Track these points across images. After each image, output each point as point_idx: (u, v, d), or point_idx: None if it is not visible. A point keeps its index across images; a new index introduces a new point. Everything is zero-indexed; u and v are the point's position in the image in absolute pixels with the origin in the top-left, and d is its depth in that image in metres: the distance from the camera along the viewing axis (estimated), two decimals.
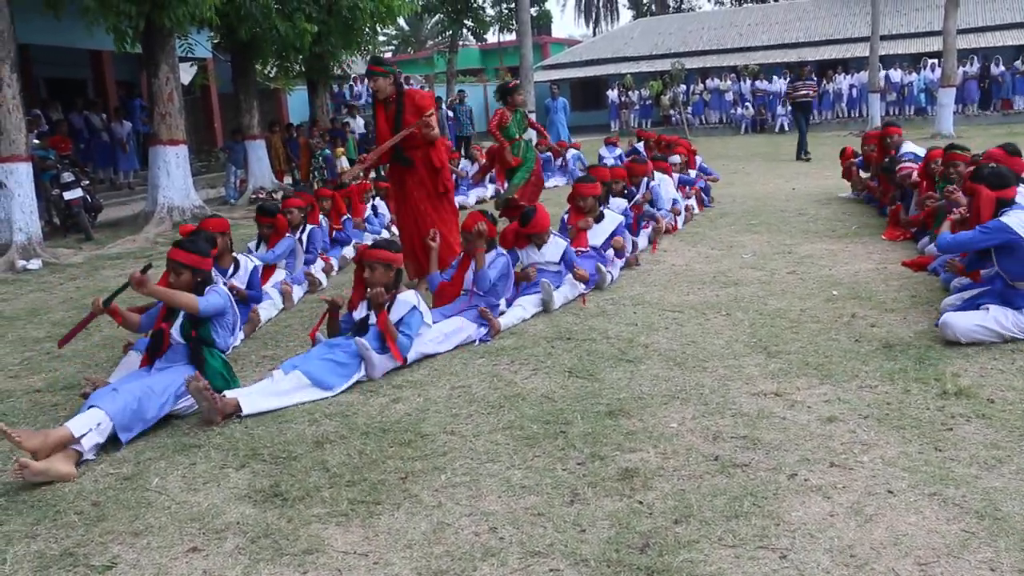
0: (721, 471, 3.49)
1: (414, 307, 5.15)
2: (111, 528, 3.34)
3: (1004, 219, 4.90)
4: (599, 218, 7.35)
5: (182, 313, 4.64)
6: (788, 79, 21.64)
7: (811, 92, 19.35)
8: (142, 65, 16.94)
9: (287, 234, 7.41)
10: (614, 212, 7.60)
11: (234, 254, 6.47)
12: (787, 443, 3.72)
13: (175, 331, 4.62)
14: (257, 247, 7.31)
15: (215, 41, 17.80)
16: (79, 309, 7.59)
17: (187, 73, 19.91)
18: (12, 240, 10.28)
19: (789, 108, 22.99)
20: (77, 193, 12.29)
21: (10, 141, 10.41)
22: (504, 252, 6.16)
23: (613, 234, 7.24)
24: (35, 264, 10.06)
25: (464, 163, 15.06)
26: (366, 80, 26.49)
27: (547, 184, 15.35)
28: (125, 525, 3.36)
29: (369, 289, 5.09)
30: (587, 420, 4.10)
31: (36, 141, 12.47)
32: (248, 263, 6.42)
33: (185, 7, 11.87)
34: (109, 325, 6.78)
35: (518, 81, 10.41)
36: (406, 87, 7.37)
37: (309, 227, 8.13)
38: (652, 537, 2.99)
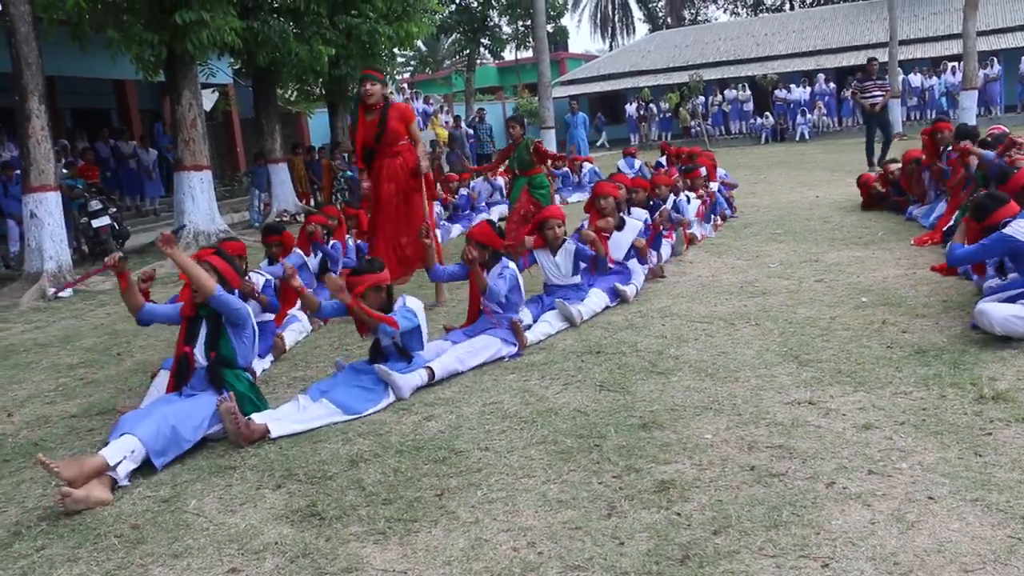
0: (758, 481, 3.46)
1: (414, 311, 5.16)
2: (151, 550, 3.36)
3: (1007, 230, 5.05)
4: (620, 226, 7.30)
5: (203, 333, 4.65)
6: (854, 79, 18.46)
7: (883, 93, 16.44)
8: (165, 93, 17.19)
9: (293, 252, 7.43)
10: (634, 220, 7.54)
11: (257, 269, 6.50)
12: (823, 451, 3.69)
13: (199, 352, 4.64)
14: (268, 267, 7.23)
15: (235, 67, 18.01)
16: (111, 335, 7.69)
17: (209, 99, 20.17)
18: (43, 268, 10.42)
19: (859, 114, 20.60)
20: (105, 221, 12.46)
21: (39, 171, 10.57)
22: (509, 265, 6.00)
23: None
24: (66, 292, 10.17)
25: (477, 182, 15.00)
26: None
27: (568, 199, 15.47)
28: (164, 547, 3.38)
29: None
30: (621, 433, 4.08)
31: (64, 171, 12.66)
32: (260, 279, 6.35)
33: (207, 31, 12.02)
34: (141, 351, 6.87)
35: (514, 117, 10.47)
36: (392, 100, 7.68)
37: (332, 242, 8.14)
38: (691, 548, 2.97)
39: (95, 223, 12.41)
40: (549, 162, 10.29)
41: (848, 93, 25.78)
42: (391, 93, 27.21)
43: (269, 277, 6.50)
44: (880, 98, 16.26)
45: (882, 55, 27.53)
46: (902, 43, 27.07)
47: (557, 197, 15.40)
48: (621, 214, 7.43)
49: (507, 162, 9.99)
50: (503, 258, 5.98)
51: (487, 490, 3.60)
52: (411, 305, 5.16)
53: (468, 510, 3.43)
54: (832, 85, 30.32)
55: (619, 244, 7.18)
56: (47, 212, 10.63)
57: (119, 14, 12.19)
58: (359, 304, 4.93)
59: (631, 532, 3.13)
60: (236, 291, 4.95)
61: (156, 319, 4.98)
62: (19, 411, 5.57)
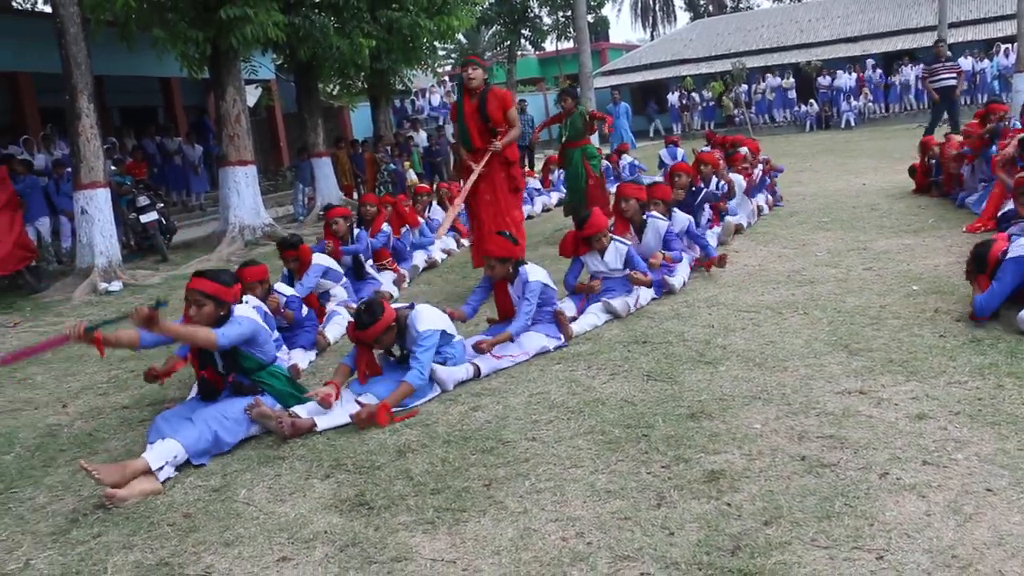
0: (809, 471, 3.42)
1: (420, 333, 4.86)
2: (203, 539, 3.41)
3: (1011, 255, 5.11)
4: (641, 226, 7.07)
5: (218, 357, 4.54)
6: (922, 63, 17.36)
7: (955, 75, 15.66)
8: (209, 90, 17.40)
9: (313, 263, 6.99)
10: (659, 220, 7.15)
11: (273, 289, 6.20)
12: (876, 441, 3.63)
13: (221, 369, 4.59)
14: (291, 281, 6.89)
15: (278, 63, 18.17)
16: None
17: (252, 95, 20.37)
18: (94, 263, 10.60)
19: (926, 97, 19.85)
20: (153, 216, 12.64)
21: (89, 168, 10.76)
22: (527, 278, 5.63)
23: (664, 243, 6.97)
24: (116, 286, 10.36)
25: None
26: (428, 93, 26.90)
27: (610, 190, 15.37)
28: (216, 535, 3.42)
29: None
30: (669, 423, 4.05)
31: (113, 168, 12.86)
32: (282, 298, 6.18)
33: (250, 27, 12.13)
34: None
35: (568, 88, 10.64)
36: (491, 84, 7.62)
37: (356, 231, 8.16)
38: (742, 539, 2.94)
39: (143, 218, 12.60)
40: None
41: (898, 74, 25.05)
42: (431, 87, 27.32)
43: (292, 294, 6.34)
44: (953, 81, 15.59)
45: (930, 39, 27.01)
46: (952, 25, 26.52)
47: None
48: (645, 215, 7.12)
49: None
50: (522, 268, 5.71)
51: (535, 480, 3.59)
52: (426, 325, 4.89)
53: (516, 500, 3.42)
54: (880, 71, 29.78)
55: (647, 249, 7.01)
56: (97, 208, 10.82)
57: (164, 13, 12.34)
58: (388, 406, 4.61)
59: (681, 522, 3.11)
60: (231, 305, 4.61)
61: (160, 343, 4.58)
62: (73, 402, 5.67)
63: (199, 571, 3.15)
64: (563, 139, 9.93)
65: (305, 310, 6.34)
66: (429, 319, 4.93)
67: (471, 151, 7.44)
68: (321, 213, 16.02)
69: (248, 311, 4.64)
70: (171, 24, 12.18)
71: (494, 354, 5.27)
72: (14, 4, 20.63)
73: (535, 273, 5.64)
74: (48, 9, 12.89)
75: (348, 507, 3.53)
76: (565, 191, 10.25)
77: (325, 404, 4.51)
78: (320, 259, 7.08)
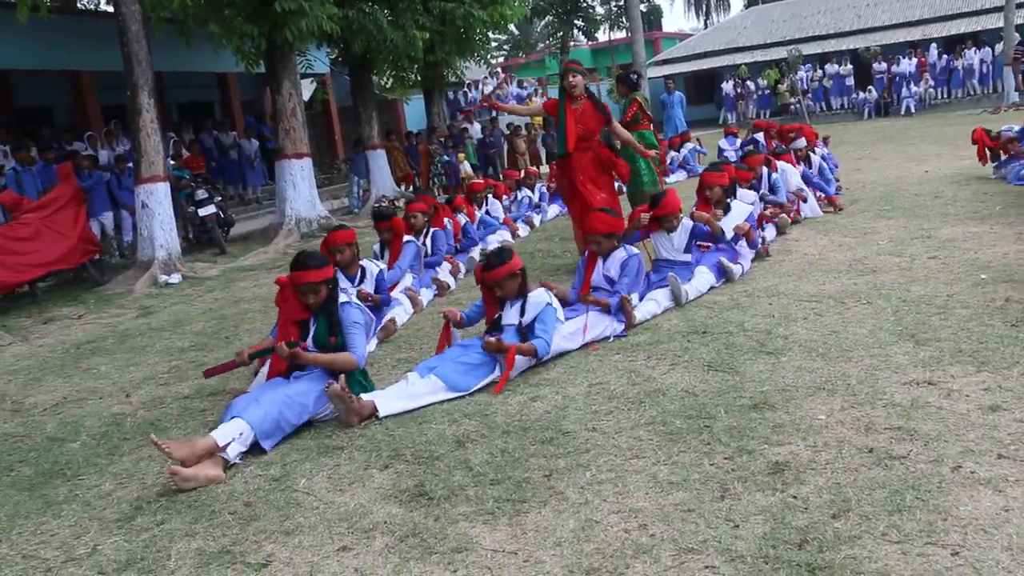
0: (877, 464, 3.32)
1: (547, 304, 5.13)
2: (263, 527, 3.42)
3: None
4: (726, 210, 7.19)
5: (314, 327, 4.71)
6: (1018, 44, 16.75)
7: None
8: (265, 84, 17.58)
9: (407, 238, 7.45)
10: (743, 202, 7.40)
11: (360, 261, 6.57)
12: (947, 434, 3.51)
13: (311, 344, 4.69)
14: (381, 252, 7.40)
15: (332, 56, 18.30)
16: (219, 319, 7.90)
17: (307, 89, 20.54)
18: (154, 256, 10.79)
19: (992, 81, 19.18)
20: (211, 209, 12.82)
21: (150, 163, 10.95)
22: (636, 252, 6.03)
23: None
24: (175, 278, 10.53)
25: None
26: (481, 84, 26.86)
27: (667, 181, 15.23)
28: (276, 524, 3.44)
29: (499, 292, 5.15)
30: (731, 414, 3.98)
31: (172, 162, 13.07)
32: (373, 268, 6.50)
33: (305, 20, 12.23)
34: (249, 334, 7.05)
35: (626, 71, 10.57)
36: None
37: (432, 230, 8.23)
38: (810, 532, 2.87)
39: (202, 212, 12.79)
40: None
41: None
42: (484, 78, 27.28)
43: (381, 267, 6.55)
44: None
45: (996, 20, 26.26)
46: (1020, 6, 25.69)
47: None
48: (729, 199, 7.31)
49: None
50: (624, 244, 5.99)
51: (596, 471, 3.55)
52: (554, 304, 5.20)
53: (577, 491, 3.38)
54: (947, 57, 28.99)
55: (727, 225, 7.03)
56: (157, 202, 11.01)
57: (221, 8, 12.50)
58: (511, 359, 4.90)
59: (745, 515, 3.04)
60: (336, 284, 4.88)
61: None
62: (136, 392, 5.77)
63: (260, 559, 3.17)
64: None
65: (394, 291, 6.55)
66: (552, 296, 5.20)
67: (564, 155, 7.57)
68: (376, 205, 16.14)
69: (344, 298, 4.81)
70: (227, 19, 12.34)
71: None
72: (78, 5, 21.03)
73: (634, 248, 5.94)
74: (110, 9, 13.12)
75: (407, 497, 3.52)
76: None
77: (453, 319, 5.14)
78: (410, 237, 7.44)
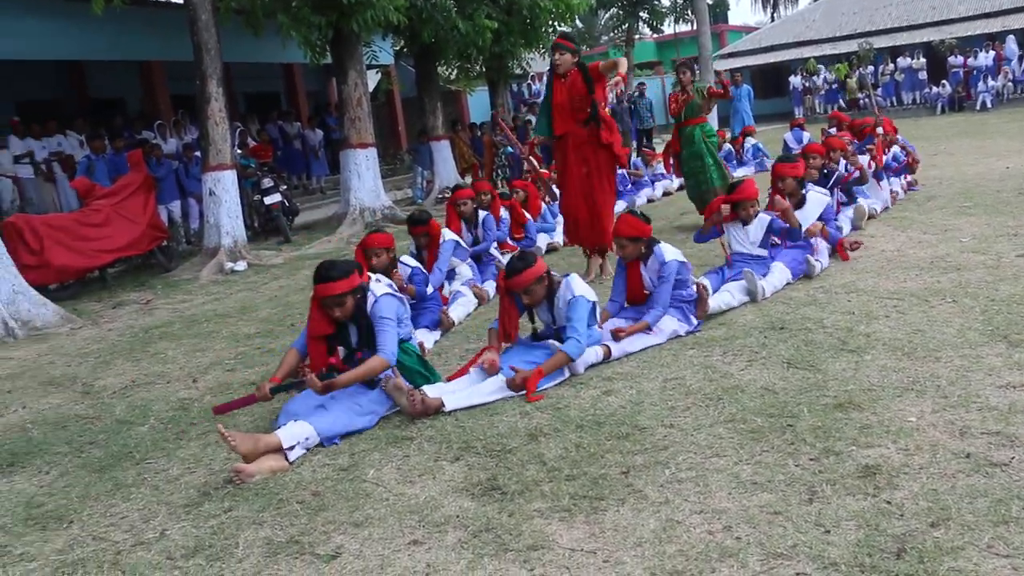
0: (976, 470, 3.13)
1: (577, 296, 4.79)
2: (332, 518, 3.35)
3: None
4: (800, 203, 6.96)
5: (343, 340, 4.54)
6: None
7: None
8: (329, 75, 17.66)
9: (444, 239, 7.04)
10: (819, 194, 7.15)
11: (399, 260, 6.25)
12: None
13: (342, 356, 4.54)
14: (417, 256, 6.91)
15: (398, 48, 18.33)
16: (284, 307, 7.91)
17: (372, 80, 20.61)
18: (221, 244, 10.88)
19: None
20: (276, 198, 12.92)
21: (217, 151, 11.04)
22: (676, 258, 5.43)
23: (821, 218, 6.85)
24: (241, 266, 10.61)
25: (636, 160, 14.63)
26: (545, 77, 26.69)
27: (735, 174, 14.94)
28: (345, 515, 3.36)
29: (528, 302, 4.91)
30: (815, 413, 3.80)
31: (239, 151, 13.20)
32: (407, 268, 6.21)
33: (372, 11, 12.23)
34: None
35: (684, 60, 10.31)
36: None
37: (484, 215, 8.04)
38: (907, 541, 2.70)
39: (267, 200, 12.90)
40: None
41: None
42: (548, 71, 27.12)
43: (416, 266, 6.33)
44: None
45: None
46: None
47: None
48: (804, 191, 7.07)
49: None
50: (656, 247, 5.46)
51: (675, 469, 3.40)
52: (579, 291, 4.83)
53: (656, 489, 3.24)
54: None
55: (802, 219, 6.81)
56: (224, 190, 11.10)
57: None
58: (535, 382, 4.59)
59: (836, 520, 2.88)
60: (366, 290, 4.61)
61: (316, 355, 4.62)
62: (203, 377, 5.77)
63: (329, 551, 3.09)
64: (681, 118, 9.62)
65: (430, 289, 6.30)
66: (582, 287, 4.87)
67: (555, 136, 7.27)
68: (439, 196, 16.12)
69: (383, 289, 4.62)
70: (295, 10, 12.39)
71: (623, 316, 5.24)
72: None
73: (670, 252, 5.42)
74: (180, 0, 13.32)
75: (480, 491, 3.41)
76: (684, 174, 9.84)
77: (492, 370, 4.59)
78: (448, 234, 7.08)
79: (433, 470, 3.70)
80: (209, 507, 3.58)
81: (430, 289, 6.30)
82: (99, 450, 4.49)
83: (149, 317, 8.27)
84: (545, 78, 7.19)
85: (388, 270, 5.91)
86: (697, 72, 10.31)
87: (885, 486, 3.08)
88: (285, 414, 4.31)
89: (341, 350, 4.59)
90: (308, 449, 4.09)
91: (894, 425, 3.60)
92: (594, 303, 4.90)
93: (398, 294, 4.73)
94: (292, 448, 4.00)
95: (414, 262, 6.35)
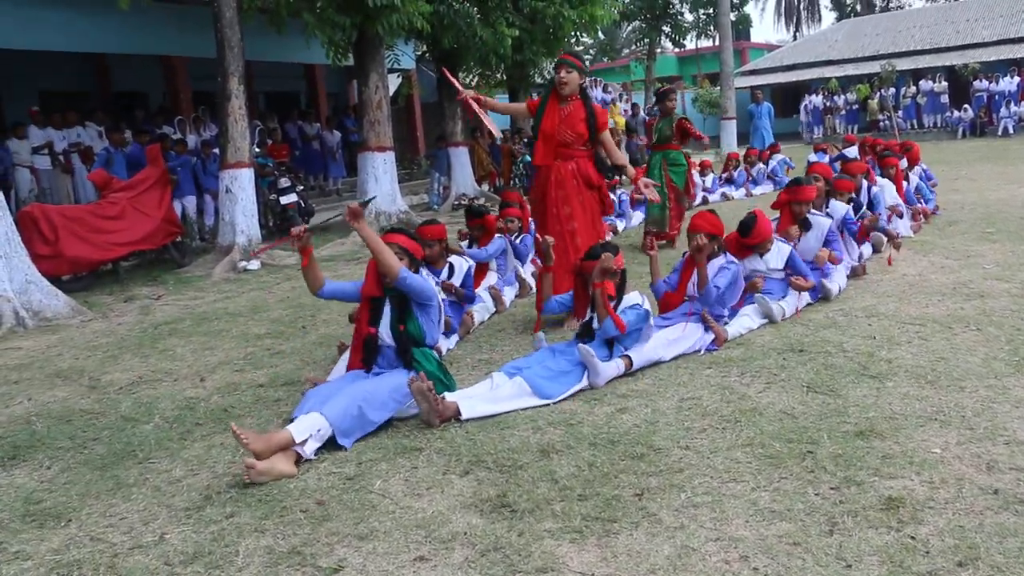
0: (1006, 507, 3.01)
1: (637, 305, 4.96)
2: (336, 529, 3.26)
3: None
4: (805, 226, 6.75)
5: (388, 311, 4.54)
6: None
7: None
8: (350, 77, 17.64)
9: (497, 235, 7.36)
10: (822, 217, 6.92)
11: (450, 258, 6.43)
12: None
13: (384, 330, 4.53)
14: (469, 248, 7.29)
15: (419, 53, 18.31)
16: (296, 308, 7.84)
17: (392, 84, 20.59)
18: (235, 241, 10.83)
19: None
20: (292, 198, 12.89)
21: (235, 148, 11.00)
22: (735, 261, 5.71)
23: (826, 243, 6.70)
24: (254, 265, 10.54)
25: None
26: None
27: (754, 192, 14.86)
28: (350, 527, 3.27)
29: (592, 288, 4.95)
30: (835, 440, 3.70)
31: (257, 150, 13.17)
32: (463, 264, 6.39)
33: (397, 15, 12.21)
34: (325, 324, 6.95)
35: (671, 86, 10.18)
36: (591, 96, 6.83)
37: (524, 236, 8.07)
38: None
39: (283, 200, 12.87)
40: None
41: None
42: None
43: (471, 263, 6.46)
44: None
45: None
46: None
47: (741, 191, 14.86)
48: (809, 214, 6.83)
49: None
50: (726, 251, 5.69)
51: (691, 493, 3.30)
52: (644, 304, 5.02)
53: (671, 514, 3.14)
54: None
55: (808, 249, 6.66)
56: (240, 188, 11.05)
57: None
58: (603, 296, 4.86)
59: (858, 554, 2.77)
60: (421, 267, 4.84)
61: (336, 296, 4.87)
62: (211, 376, 5.70)
63: (332, 564, 3.00)
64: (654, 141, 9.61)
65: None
66: (644, 300, 5.10)
67: (539, 164, 6.52)
68: (456, 203, 16.05)
69: (433, 283, 4.69)
70: (320, 10, 12.37)
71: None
72: None
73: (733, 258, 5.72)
74: None
75: (489, 508, 3.31)
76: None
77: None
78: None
79: (442, 483, 3.60)
80: (211, 512, 3.49)
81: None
82: (102, 447, 4.42)
83: (160, 313, 8.22)
84: (541, 96, 6.46)
85: (439, 260, 6.26)
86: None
87: (909, 520, 2.97)
88: (302, 406, 4.23)
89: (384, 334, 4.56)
90: (322, 443, 4.00)
91: (918, 456, 3.50)
92: (647, 311, 5.02)
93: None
94: (305, 442, 3.92)
95: (470, 260, 6.58)
